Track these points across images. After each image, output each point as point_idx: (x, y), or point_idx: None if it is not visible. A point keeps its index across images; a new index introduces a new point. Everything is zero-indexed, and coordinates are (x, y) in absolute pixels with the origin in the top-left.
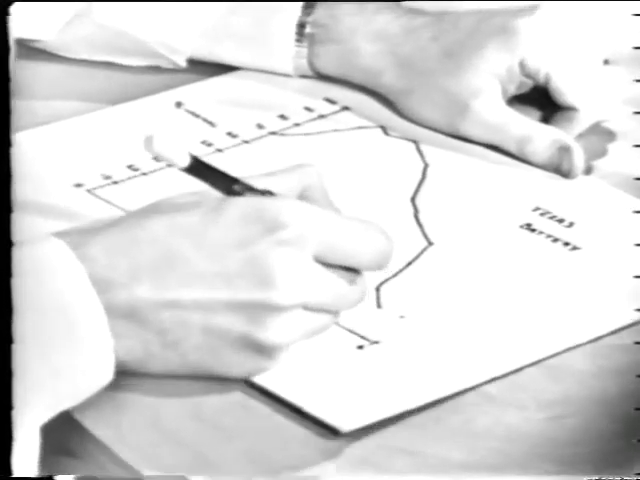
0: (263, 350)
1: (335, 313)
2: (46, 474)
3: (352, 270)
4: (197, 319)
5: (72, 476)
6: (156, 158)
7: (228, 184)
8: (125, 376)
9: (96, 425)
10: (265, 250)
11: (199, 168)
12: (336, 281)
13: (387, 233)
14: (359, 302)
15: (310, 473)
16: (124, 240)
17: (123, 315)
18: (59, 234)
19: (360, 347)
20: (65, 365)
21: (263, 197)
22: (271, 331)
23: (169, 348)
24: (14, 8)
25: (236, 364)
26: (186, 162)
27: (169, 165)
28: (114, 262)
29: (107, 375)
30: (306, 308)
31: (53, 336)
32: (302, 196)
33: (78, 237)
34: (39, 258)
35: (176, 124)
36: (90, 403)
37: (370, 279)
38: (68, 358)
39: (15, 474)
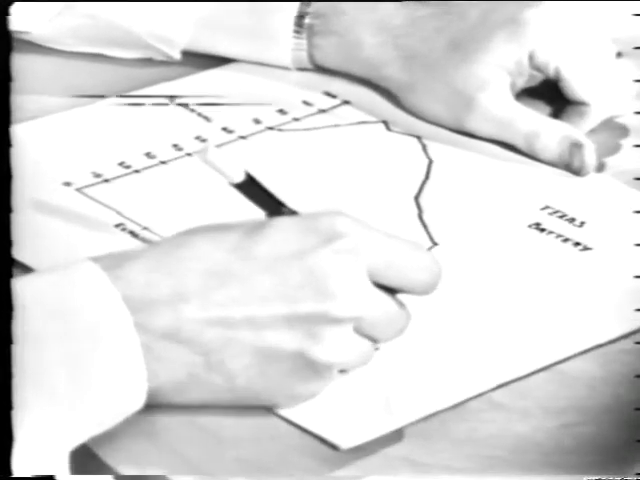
0: (315, 369)
1: (378, 341)
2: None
3: (397, 298)
4: (247, 337)
5: (73, 476)
6: (209, 167)
7: (276, 207)
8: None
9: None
10: (323, 259)
11: (251, 186)
12: (388, 301)
13: (435, 257)
14: (403, 332)
15: None
16: (165, 258)
17: (165, 336)
18: (94, 258)
19: None
20: (94, 391)
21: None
22: (326, 346)
23: (215, 370)
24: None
25: (286, 387)
26: (240, 178)
27: (223, 176)
28: (154, 281)
29: (138, 401)
30: (357, 329)
31: (84, 361)
32: None
33: (113, 260)
34: (71, 282)
35: (169, 118)
36: None
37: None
38: (98, 383)
39: (15, 474)
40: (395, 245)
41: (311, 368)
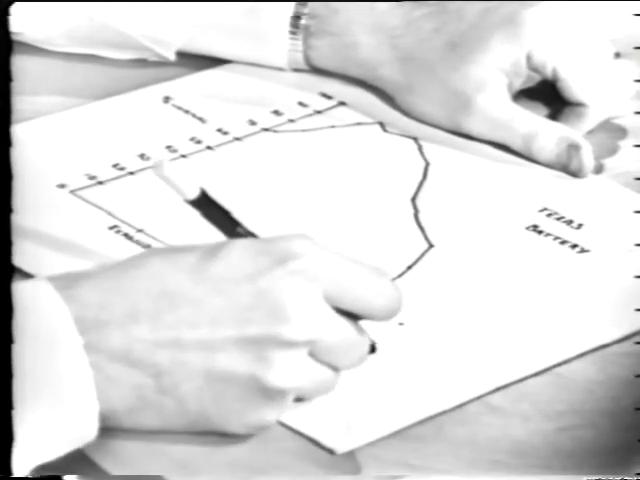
0: (267, 394)
1: (338, 369)
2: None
3: (356, 321)
4: (198, 359)
5: (74, 476)
6: (163, 182)
7: (231, 225)
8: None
9: None
10: (276, 281)
11: (206, 204)
12: (345, 326)
13: (397, 285)
14: (363, 360)
15: None
16: (118, 280)
17: (116, 358)
18: (50, 277)
19: None
20: (45, 415)
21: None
22: (278, 371)
23: (165, 393)
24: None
25: (238, 412)
26: (194, 194)
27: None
28: (107, 302)
29: (91, 429)
30: (312, 353)
31: (35, 385)
32: None
33: (68, 280)
34: (25, 298)
35: (164, 120)
36: None
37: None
38: (48, 408)
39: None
40: (354, 269)
41: (263, 393)
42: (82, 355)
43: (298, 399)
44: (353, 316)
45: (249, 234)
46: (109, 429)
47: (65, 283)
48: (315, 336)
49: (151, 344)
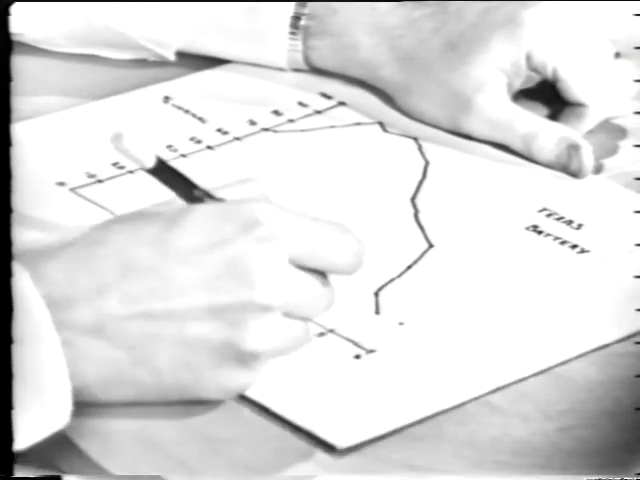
0: (242, 359)
1: (307, 320)
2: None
3: (321, 274)
4: (169, 330)
5: (74, 476)
6: (122, 154)
7: (189, 189)
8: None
9: (82, 437)
10: (243, 249)
11: (163, 171)
12: (312, 282)
13: (357, 235)
14: (330, 306)
15: None
16: (84, 256)
17: (88, 333)
18: (16, 255)
19: (357, 357)
20: (22, 398)
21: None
22: (251, 335)
23: (140, 365)
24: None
25: (213, 380)
26: (151, 163)
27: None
28: (75, 279)
29: (63, 402)
30: (285, 313)
31: (13, 368)
32: None
33: (34, 257)
34: None
35: (164, 120)
36: (75, 414)
37: (368, 284)
38: (24, 390)
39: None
40: (317, 229)
41: (238, 358)
42: (53, 332)
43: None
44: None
45: (208, 196)
46: (87, 406)
47: (31, 261)
48: (284, 298)
49: (122, 318)
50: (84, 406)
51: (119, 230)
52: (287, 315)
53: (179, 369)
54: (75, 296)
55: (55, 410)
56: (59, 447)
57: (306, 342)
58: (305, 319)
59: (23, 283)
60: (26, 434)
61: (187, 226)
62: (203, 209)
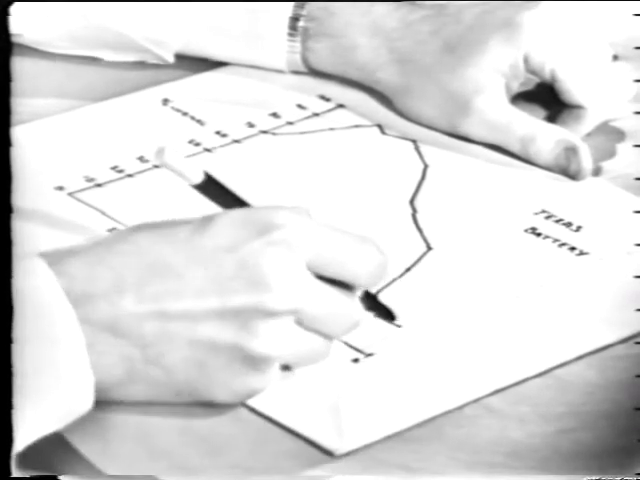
0: (252, 362)
1: (328, 337)
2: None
3: (345, 289)
4: (183, 330)
5: (71, 476)
6: (167, 169)
7: (236, 205)
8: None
9: (81, 440)
10: (257, 251)
11: (211, 186)
12: (332, 295)
13: (382, 248)
14: (354, 327)
15: None
16: (105, 254)
17: (104, 329)
18: (42, 253)
19: (355, 360)
20: (44, 387)
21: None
22: (262, 339)
23: (152, 364)
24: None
25: (224, 383)
26: (199, 178)
27: (180, 178)
28: (94, 275)
29: (87, 398)
30: (299, 322)
31: (33, 358)
32: None
33: (58, 255)
34: (19, 276)
35: (162, 122)
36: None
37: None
38: (46, 380)
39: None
40: (337, 237)
41: (248, 361)
42: (77, 328)
43: (287, 367)
44: (342, 284)
45: None
46: (100, 404)
47: (55, 259)
48: (297, 305)
49: (137, 315)
50: (108, 430)
51: (146, 231)
52: (302, 324)
53: (191, 369)
54: (94, 292)
55: (77, 397)
56: (56, 448)
57: (325, 357)
58: (327, 336)
59: (46, 279)
60: (45, 422)
61: (213, 229)
62: (231, 214)
